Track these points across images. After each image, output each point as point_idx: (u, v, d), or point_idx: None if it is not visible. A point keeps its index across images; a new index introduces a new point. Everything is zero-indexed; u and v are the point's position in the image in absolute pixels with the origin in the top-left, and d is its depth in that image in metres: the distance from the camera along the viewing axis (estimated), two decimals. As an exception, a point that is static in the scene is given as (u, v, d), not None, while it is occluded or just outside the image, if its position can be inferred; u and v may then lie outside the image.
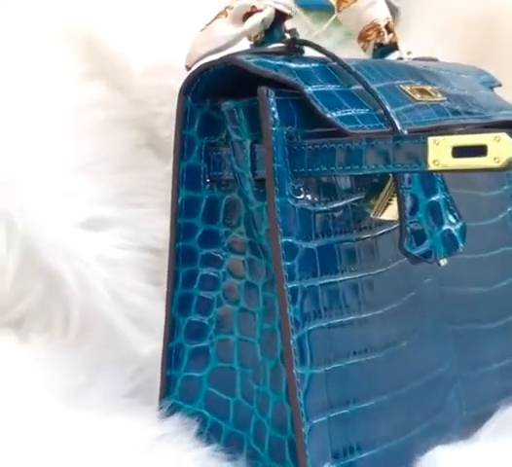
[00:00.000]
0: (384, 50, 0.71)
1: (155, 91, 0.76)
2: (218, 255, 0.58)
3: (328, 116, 0.52)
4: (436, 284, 0.62)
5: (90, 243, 0.69)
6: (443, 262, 0.55)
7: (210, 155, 0.58)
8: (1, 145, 0.70)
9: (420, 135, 0.48)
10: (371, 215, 0.56)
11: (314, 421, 0.52)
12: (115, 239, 0.71)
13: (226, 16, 0.58)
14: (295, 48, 0.58)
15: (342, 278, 0.55)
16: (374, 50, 0.71)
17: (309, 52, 0.59)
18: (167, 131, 0.73)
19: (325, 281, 0.54)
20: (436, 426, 0.60)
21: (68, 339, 0.67)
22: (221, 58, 0.55)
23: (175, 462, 0.51)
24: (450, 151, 0.47)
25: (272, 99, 0.52)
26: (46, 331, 0.67)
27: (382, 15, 0.71)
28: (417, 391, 0.58)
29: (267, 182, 0.52)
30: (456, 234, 0.55)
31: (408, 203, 0.53)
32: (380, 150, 0.49)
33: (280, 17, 0.58)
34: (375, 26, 0.71)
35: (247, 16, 0.58)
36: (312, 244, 0.53)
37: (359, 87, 0.56)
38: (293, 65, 0.55)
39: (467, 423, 0.62)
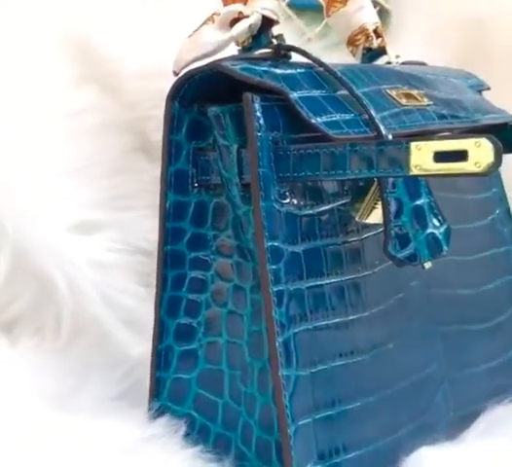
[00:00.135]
0: (373, 54, 0.72)
1: (146, 95, 0.77)
2: (206, 258, 0.59)
3: (313, 121, 0.53)
4: (423, 286, 0.63)
5: (80, 247, 0.70)
6: (427, 265, 0.55)
7: (198, 159, 0.58)
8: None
9: (403, 141, 0.49)
10: (356, 219, 0.57)
11: (300, 423, 0.52)
12: (106, 242, 0.71)
13: (213, 22, 0.59)
14: (281, 53, 0.58)
15: (328, 281, 0.56)
16: (363, 54, 0.72)
17: (299, 57, 0.60)
18: (159, 135, 0.73)
19: (311, 284, 0.55)
20: (423, 427, 0.60)
21: (59, 342, 0.67)
22: (207, 65, 0.55)
23: (162, 463, 0.52)
24: (431, 156, 0.48)
25: (257, 105, 0.53)
26: (37, 334, 0.68)
27: (370, 19, 0.72)
28: (403, 392, 0.59)
29: (252, 187, 0.53)
30: (440, 238, 0.56)
31: (392, 207, 0.54)
32: (363, 155, 0.50)
33: (267, 22, 0.59)
34: (363, 31, 0.71)
35: (234, 22, 0.59)
36: (298, 248, 0.54)
37: (345, 92, 0.56)
38: (279, 71, 0.55)
39: (454, 424, 0.63)
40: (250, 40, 0.60)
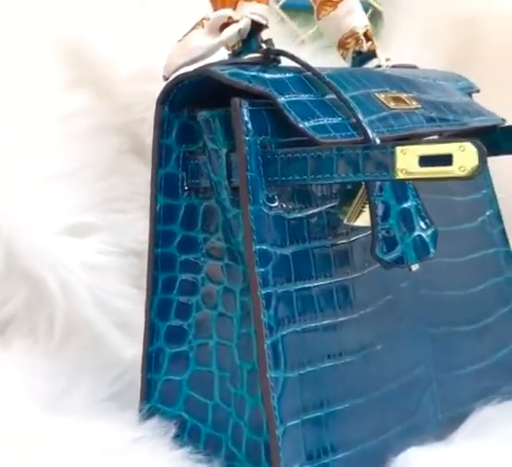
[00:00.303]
0: (363, 57, 0.72)
1: (140, 98, 0.77)
2: (197, 261, 0.59)
3: (300, 125, 0.53)
4: (413, 288, 0.63)
5: (73, 249, 0.70)
6: (414, 267, 0.56)
7: (188, 163, 0.59)
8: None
9: (388, 145, 0.49)
10: (345, 222, 0.57)
11: (288, 424, 0.53)
12: (98, 245, 0.72)
13: (203, 27, 0.59)
14: (270, 57, 0.59)
15: (316, 284, 0.56)
16: (353, 57, 0.73)
17: (289, 60, 0.60)
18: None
19: (300, 287, 0.55)
20: (411, 428, 0.61)
21: (52, 343, 0.68)
22: (196, 70, 0.56)
23: (150, 465, 0.52)
24: (417, 160, 0.48)
25: (245, 110, 0.53)
26: (30, 336, 0.68)
27: (360, 23, 0.72)
28: (391, 394, 0.60)
29: (240, 190, 0.53)
30: (427, 240, 0.56)
31: (379, 210, 0.54)
32: (349, 159, 0.51)
33: (257, 27, 0.59)
34: (353, 34, 0.72)
35: (224, 26, 0.59)
36: (287, 250, 0.55)
37: (333, 96, 0.57)
38: (267, 75, 0.56)
39: (443, 425, 0.64)
40: (240, 44, 0.60)
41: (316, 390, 0.55)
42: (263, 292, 0.53)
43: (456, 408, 0.65)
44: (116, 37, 0.80)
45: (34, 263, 0.69)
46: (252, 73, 0.55)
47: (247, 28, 0.59)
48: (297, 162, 0.53)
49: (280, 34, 0.97)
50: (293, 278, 0.55)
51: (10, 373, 0.62)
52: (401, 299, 0.62)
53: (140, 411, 0.60)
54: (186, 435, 0.59)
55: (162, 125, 0.58)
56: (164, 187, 0.59)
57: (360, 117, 0.55)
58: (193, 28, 0.60)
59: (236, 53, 0.60)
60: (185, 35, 0.59)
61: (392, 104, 0.61)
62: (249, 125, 0.53)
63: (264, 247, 0.53)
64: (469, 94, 0.75)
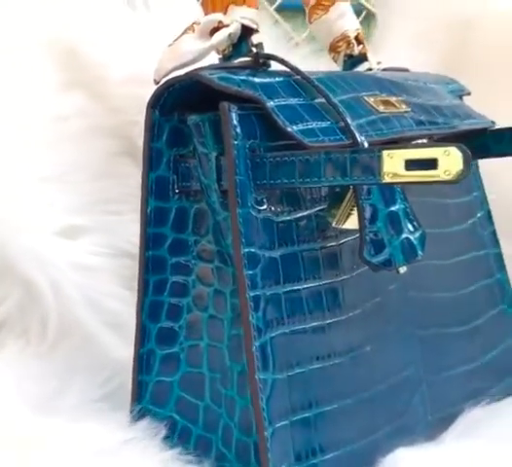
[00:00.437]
0: (355, 61, 0.73)
1: (133, 101, 0.78)
2: (188, 263, 0.60)
3: (288, 129, 0.54)
4: (401, 290, 0.64)
5: (66, 251, 0.70)
6: (402, 269, 0.56)
7: (179, 166, 0.59)
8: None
9: (375, 149, 0.50)
10: (333, 225, 0.58)
11: (277, 425, 0.53)
12: (91, 246, 0.72)
13: (193, 31, 0.60)
14: (260, 62, 0.59)
15: (306, 286, 0.57)
16: (344, 61, 0.73)
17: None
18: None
19: (288, 289, 0.56)
20: (400, 429, 0.61)
21: (44, 345, 0.68)
22: (186, 74, 0.56)
23: (141, 465, 0.53)
24: (403, 164, 0.49)
25: (233, 114, 0.54)
26: (22, 337, 0.69)
27: (352, 26, 0.73)
28: (380, 395, 0.60)
29: (229, 194, 0.54)
30: (415, 243, 0.57)
31: (367, 213, 0.55)
32: (337, 163, 0.51)
33: (247, 31, 0.60)
34: (345, 38, 0.72)
35: (214, 31, 0.60)
36: (275, 253, 0.55)
37: (322, 100, 0.57)
38: (257, 80, 0.56)
39: (432, 426, 0.64)
40: (230, 49, 0.61)
41: (305, 391, 0.55)
42: (251, 294, 0.53)
43: (445, 409, 0.65)
44: (110, 40, 0.80)
45: (26, 264, 0.69)
46: (242, 77, 0.56)
47: (238, 32, 0.60)
48: (285, 166, 0.53)
49: (275, 36, 0.97)
50: (282, 281, 0.55)
51: (1, 374, 0.62)
52: (389, 301, 0.62)
53: (131, 412, 0.60)
54: (177, 436, 0.60)
55: (152, 129, 0.59)
56: (154, 190, 0.59)
57: (349, 121, 0.56)
58: (183, 33, 0.60)
59: (226, 58, 0.61)
60: (175, 39, 0.60)
61: (382, 108, 0.62)
62: (238, 129, 0.54)
63: (252, 250, 0.54)
64: (460, 97, 0.75)
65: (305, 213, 0.57)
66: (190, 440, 0.59)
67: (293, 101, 0.56)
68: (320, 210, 0.58)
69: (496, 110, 0.74)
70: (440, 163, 0.48)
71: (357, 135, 0.55)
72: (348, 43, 0.72)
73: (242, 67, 0.59)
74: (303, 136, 0.54)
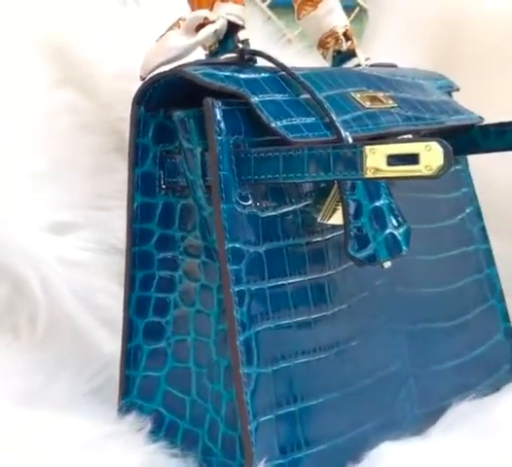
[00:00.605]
0: (343, 57, 0.73)
1: (123, 97, 0.78)
2: (174, 258, 0.60)
3: (272, 125, 0.54)
4: (389, 285, 0.64)
5: (55, 246, 0.71)
6: (386, 264, 0.56)
7: (165, 162, 0.60)
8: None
9: (358, 144, 0.50)
10: (319, 220, 0.58)
11: (261, 419, 0.54)
12: (81, 242, 0.73)
13: (179, 27, 0.60)
14: (246, 58, 0.59)
15: (291, 281, 0.57)
16: (333, 57, 0.73)
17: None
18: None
19: (273, 284, 0.56)
20: (387, 423, 0.62)
21: (33, 340, 0.69)
22: (171, 70, 0.57)
23: (124, 458, 0.53)
24: (385, 159, 0.49)
25: (217, 110, 0.54)
26: (11, 332, 0.69)
27: (340, 22, 0.73)
28: (366, 389, 0.60)
29: (212, 189, 0.54)
30: (399, 238, 0.57)
31: (351, 209, 0.55)
32: (320, 158, 0.51)
33: (233, 28, 0.60)
34: (333, 34, 0.73)
35: (200, 27, 0.60)
36: (260, 248, 0.55)
37: (308, 96, 0.58)
38: (242, 75, 0.57)
39: (419, 421, 0.64)
40: (217, 45, 0.61)
41: (290, 386, 0.56)
42: (235, 289, 0.54)
43: (432, 403, 0.66)
44: (101, 37, 0.80)
45: (16, 260, 0.69)
46: (226, 73, 0.56)
47: (224, 29, 0.60)
48: (269, 162, 0.54)
49: (267, 33, 0.97)
50: (267, 276, 0.55)
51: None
52: (376, 296, 0.63)
53: (119, 406, 0.61)
54: (164, 430, 0.60)
55: (137, 125, 0.59)
56: (141, 186, 0.60)
57: (333, 116, 0.56)
58: (169, 29, 0.60)
59: (213, 54, 0.61)
60: (161, 35, 0.60)
61: (368, 103, 0.62)
62: (222, 125, 0.54)
63: (237, 245, 0.54)
64: (449, 93, 0.75)
65: (290, 208, 0.58)
66: (177, 434, 0.60)
67: (278, 97, 0.57)
68: (306, 206, 0.58)
69: (485, 106, 0.75)
70: (421, 159, 0.48)
71: (342, 131, 0.55)
72: (337, 39, 0.72)
73: (228, 63, 0.59)
74: (287, 132, 0.54)
